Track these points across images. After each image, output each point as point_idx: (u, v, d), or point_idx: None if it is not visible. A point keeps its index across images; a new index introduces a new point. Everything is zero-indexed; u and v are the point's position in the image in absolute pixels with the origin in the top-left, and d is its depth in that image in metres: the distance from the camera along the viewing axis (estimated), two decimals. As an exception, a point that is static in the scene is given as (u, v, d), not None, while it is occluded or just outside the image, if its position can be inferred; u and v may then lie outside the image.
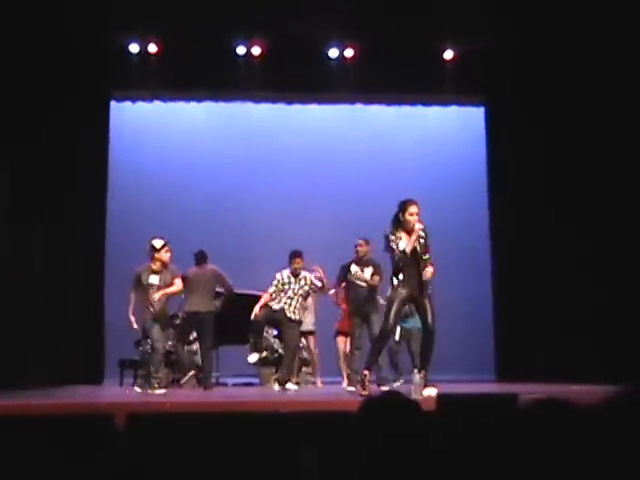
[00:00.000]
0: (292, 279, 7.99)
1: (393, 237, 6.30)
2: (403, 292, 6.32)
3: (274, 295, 7.98)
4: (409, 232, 6.30)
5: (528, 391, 5.53)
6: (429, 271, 6.37)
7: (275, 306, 7.94)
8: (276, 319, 8.05)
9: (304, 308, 8.16)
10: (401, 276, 6.33)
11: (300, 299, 7.99)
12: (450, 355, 9.16)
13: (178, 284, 7.80)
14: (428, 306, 6.40)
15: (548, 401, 2.04)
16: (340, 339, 8.73)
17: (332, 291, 8.35)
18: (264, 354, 8.32)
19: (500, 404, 3.40)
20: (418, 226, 6.27)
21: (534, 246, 9.97)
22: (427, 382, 6.35)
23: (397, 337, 8.08)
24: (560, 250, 9.62)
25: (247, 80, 10.45)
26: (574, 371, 8.50)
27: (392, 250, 6.31)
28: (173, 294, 7.91)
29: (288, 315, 7.95)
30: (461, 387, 7.71)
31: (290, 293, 7.96)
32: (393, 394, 2.37)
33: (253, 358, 8.03)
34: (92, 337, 9.81)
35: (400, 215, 6.34)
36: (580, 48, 9.35)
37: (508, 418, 2.12)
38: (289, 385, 7.86)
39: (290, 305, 7.95)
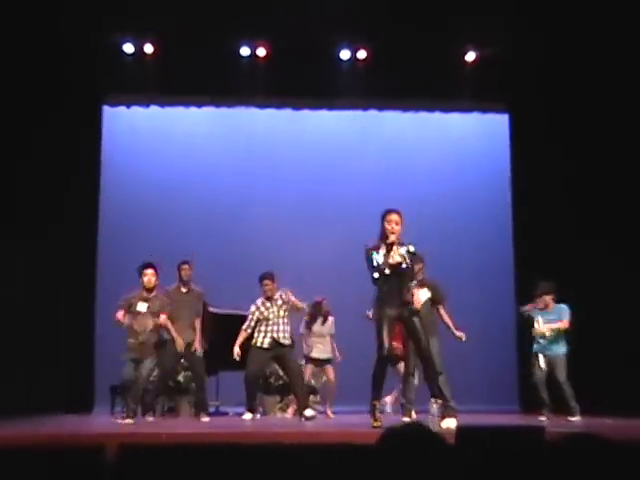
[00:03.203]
0: (267, 303, 8.05)
1: (370, 250, 6.08)
2: (388, 312, 6.14)
3: (255, 327, 8.02)
4: (391, 245, 6.07)
5: (555, 424, 5.48)
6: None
7: (265, 344, 7.96)
8: (276, 356, 8.10)
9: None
10: (380, 294, 6.12)
11: (284, 320, 8.03)
12: (471, 384, 9.11)
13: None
14: (418, 327, 6.15)
15: (580, 435, 2.00)
16: None
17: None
18: (259, 412, 8.48)
19: (525, 438, 3.36)
20: (392, 238, 6.01)
21: (561, 263, 9.84)
22: (445, 412, 6.22)
23: (543, 365, 8.08)
24: (589, 267, 9.51)
25: (251, 84, 10.46)
26: (605, 403, 8.41)
27: (369, 265, 6.09)
28: None
29: (282, 342, 7.98)
30: (483, 418, 7.66)
31: (272, 317, 8.00)
32: (414, 426, 2.31)
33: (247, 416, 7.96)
34: (81, 363, 9.79)
35: (381, 224, 6.18)
36: (609, 51, 9.32)
37: (534, 453, 2.09)
38: (308, 412, 7.81)
39: (278, 331, 7.98)
